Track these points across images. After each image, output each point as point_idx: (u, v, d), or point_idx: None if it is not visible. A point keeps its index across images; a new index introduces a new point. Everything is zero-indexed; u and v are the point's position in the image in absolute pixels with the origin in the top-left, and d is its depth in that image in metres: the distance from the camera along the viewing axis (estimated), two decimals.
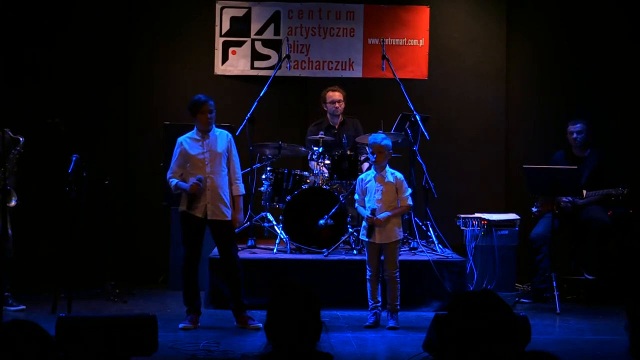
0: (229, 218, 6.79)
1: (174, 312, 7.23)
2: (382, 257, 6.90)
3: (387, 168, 6.96)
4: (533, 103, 9.47)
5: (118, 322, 5.34)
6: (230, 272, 6.85)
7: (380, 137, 6.96)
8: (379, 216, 6.80)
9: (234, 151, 6.90)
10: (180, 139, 6.85)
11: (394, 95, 8.52)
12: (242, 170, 7.07)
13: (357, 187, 7.11)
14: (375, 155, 6.87)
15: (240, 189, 6.89)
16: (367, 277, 6.93)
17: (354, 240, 7.97)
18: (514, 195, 9.25)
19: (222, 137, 6.85)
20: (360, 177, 7.15)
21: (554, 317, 7.45)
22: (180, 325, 6.67)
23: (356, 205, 7.09)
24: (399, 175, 6.97)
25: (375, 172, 6.95)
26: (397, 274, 6.85)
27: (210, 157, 6.75)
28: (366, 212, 6.87)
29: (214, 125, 6.85)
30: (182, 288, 6.88)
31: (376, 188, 6.90)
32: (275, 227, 8.17)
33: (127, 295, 7.93)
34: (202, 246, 6.93)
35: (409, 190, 7.02)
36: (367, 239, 6.88)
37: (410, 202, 6.98)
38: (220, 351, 5.96)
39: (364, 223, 6.97)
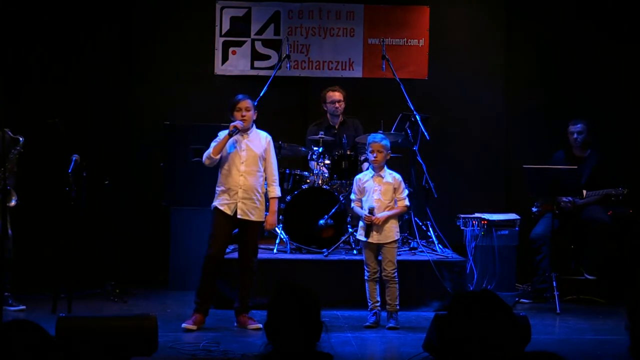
0: (258, 219, 6.78)
1: (174, 312, 7.23)
2: (380, 257, 6.91)
3: (386, 168, 6.97)
4: (533, 103, 9.46)
5: (118, 322, 5.34)
6: (245, 272, 6.83)
7: (379, 137, 6.97)
8: (377, 215, 6.80)
9: (273, 153, 6.89)
10: (220, 131, 6.81)
11: (394, 95, 8.51)
12: None
13: (354, 186, 7.11)
14: (374, 155, 6.87)
15: (277, 191, 6.88)
16: (365, 277, 6.93)
17: (354, 240, 7.97)
18: (514, 195, 9.25)
19: (261, 138, 6.85)
20: (358, 176, 7.15)
21: (554, 317, 7.45)
22: (183, 325, 6.59)
23: (352, 205, 7.09)
24: (397, 175, 6.97)
25: (373, 172, 6.96)
26: (396, 273, 6.85)
27: (246, 156, 6.73)
28: (363, 212, 6.87)
29: (254, 125, 6.84)
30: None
31: (374, 188, 6.90)
32: (275, 227, 8.16)
33: (127, 295, 7.93)
34: (228, 246, 6.91)
35: (407, 191, 7.03)
36: (364, 239, 6.88)
37: (407, 202, 6.99)
38: (220, 351, 5.96)
39: (360, 223, 6.98)
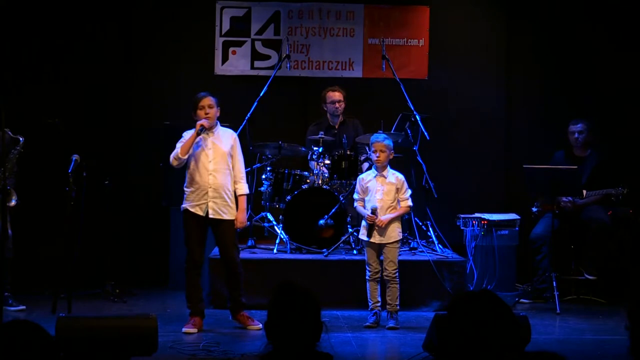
0: (231, 217, 6.74)
1: (174, 312, 7.23)
2: (382, 257, 6.91)
3: (389, 168, 6.96)
4: (533, 103, 9.47)
5: (118, 322, 5.35)
6: (231, 272, 6.81)
7: (382, 137, 6.97)
8: (381, 217, 6.80)
9: (239, 150, 6.83)
10: (185, 132, 6.75)
11: (394, 95, 8.51)
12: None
13: (357, 186, 7.11)
14: (377, 155, 6.87)
15: (245, 188, 6.82)
16: (367, 277, 6.93)
17: (354, 240, 7.97)
18: (514, 195, 9.25)
19: (226, 136, 6.79)
20: (361, 176, 7.15)
21: (554, 317, 7.45)
22: (184, 329, 6.56)
23: (355, 204, 7.09)
24: (400, 175, 6.97)
25: (376, 172, 6.96)
26: (397, 274, 6.86)
27: (214, 154, 6.68)
28: (366, 212, 6.87)
29: (218, 123, 6.79)
30: (184, 289, 6.83)
31: (377, 188, 6.90)
32: (275, 227, 8.17)
33: (127, 295, 7.93)
34: (205, 246, 6.89)
35: (410, 191, 7.03)
36: (366, 239, 6.88)
37: (410, 203, 6.98)
38: (220, 351, 5.96)
39: (363, 222, 6.97)
